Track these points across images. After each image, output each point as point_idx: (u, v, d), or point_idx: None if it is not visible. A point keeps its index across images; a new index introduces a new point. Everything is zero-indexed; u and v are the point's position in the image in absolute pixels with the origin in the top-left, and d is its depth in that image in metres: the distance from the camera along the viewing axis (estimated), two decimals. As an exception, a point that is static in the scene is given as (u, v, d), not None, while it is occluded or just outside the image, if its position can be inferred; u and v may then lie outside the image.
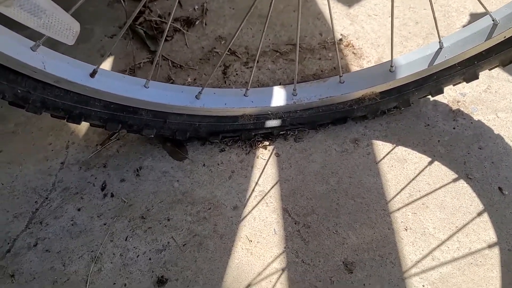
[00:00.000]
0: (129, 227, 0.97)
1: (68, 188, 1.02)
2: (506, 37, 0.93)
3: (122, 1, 1.34)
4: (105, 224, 0.97)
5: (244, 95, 1.03)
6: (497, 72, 1.16)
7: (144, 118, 0.98)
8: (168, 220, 0.97)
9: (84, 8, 1.34)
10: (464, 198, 0.98)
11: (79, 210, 0.99)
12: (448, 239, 0.93)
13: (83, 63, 0.90)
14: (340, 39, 1.25)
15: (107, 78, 0.92)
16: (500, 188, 0.98)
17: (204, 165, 1.05)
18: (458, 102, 1.12)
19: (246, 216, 0.98)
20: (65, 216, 0.98)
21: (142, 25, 1.29)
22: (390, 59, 1.03)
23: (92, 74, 0.89)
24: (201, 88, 0.99)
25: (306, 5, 1.33)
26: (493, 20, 0.93)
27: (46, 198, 1.00)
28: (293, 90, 1.04)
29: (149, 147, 1.08)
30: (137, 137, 1.10)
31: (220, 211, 0.98)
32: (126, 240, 0.95)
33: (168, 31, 1.28)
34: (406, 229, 0.95)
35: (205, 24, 1.30)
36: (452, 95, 1.13)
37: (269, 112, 1.05)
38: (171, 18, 0.93)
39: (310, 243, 0.94)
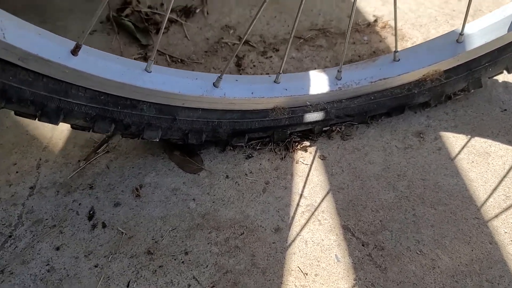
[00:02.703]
0: (131, 268, 0.68)
1: (41, 220, 0.73)
2: None
3: (102, -8, 1.09)
4: (96, 266, 0.68)
5: (275, 81, 0.79)
6: None
7: (146, 115, 0.72)
8: (186, 253, 0.69)
9: (57, 4, 1.09)
10: None
11: (57, 249, 0.70)
12: None
13: (60, 37, 0.64)
14: (375, 20, 1.03)
15: (95, 58, 0.66)
16: None
17: (227, 176, 0.79)
18: (532, 82, 0.90)
19: (294, 240, 0.71)
20: (37, 259, 0.69)
21: (129, 17, 1.05)
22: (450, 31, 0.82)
23: (75, 51, 0.63)
24: (220, 74, 0.74)
25: (326, -12, 1.12)
26: None
27: (10, 237, 0.71)
28: (338, 72, 0.80)
29: (151, 159, 0.81)
30: (133, 147, 0.83)
31: (258, 236, 0.71)
32: (128, 286, 0.66)
33: (162, 22, 1.03)
34: (513, 242, 0.70)
35: (207, 13, 1.07)
36: (523, 74, 0.92)
37: (308, 103, 0.80)
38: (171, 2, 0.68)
39: (389, 271, 0.67)
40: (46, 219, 0.73)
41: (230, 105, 0.76)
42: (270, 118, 0.79)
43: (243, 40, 0.69)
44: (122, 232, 0.72)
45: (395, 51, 0.81)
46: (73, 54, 0.63)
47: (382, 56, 0.84)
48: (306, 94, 0.79)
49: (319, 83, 0.80)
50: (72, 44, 0.63)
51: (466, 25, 0.82)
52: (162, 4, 1.08)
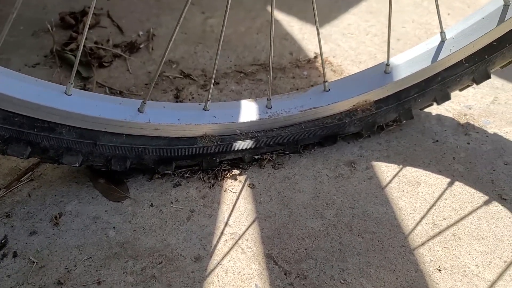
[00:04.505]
0: (37, 299, 0.64)
1: None
2: (521, 20, 0.76)
3: (49, 28, 1.11)
4: (0, 298, 0.64)
5: (203, 109, 0.78)
6: (501, 82, 0.99)
7: (65, 139, 0.70)
8: (99, 283, 0.66)
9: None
10: (503, 224, 0.73)
11: (-39, 279, 0.65)
12: (498, 279, 0.67)
13: (-28, 55, 0.63)
14: (315, 57, 1.05)
15: (10, 78, 0.65)
16: (544, 209, 0.75)
17: (152, 205, 0.76)
18: (465, 115, 0.92)
19: (214, 269, 0.68)
20: None
21: (74, 52, 1.05)
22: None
23: (-15, 70, 0.62)
24: (144, 98, 0.74)
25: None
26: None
27: None
28: (267, 100, 0.81)
29: (75, 187, 0.79)
30: (59, 176, 0.80)
31: (176, 265, 0.68)
32: (31, 319, 0.62)
33: (106, 56, 1.04)
34: (439, 270, 0.68)
35: (152, 49, 1.08)
36: (456, 108, 0.93)
37: (238, 131, 0.80)
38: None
39: (310, 301, 0.64)
40: (-46, 249, 0.69)
41: (156, 131, 0.75)
42: (199, 146, 0.78)
43: (164, 56, 0.69)
44: (33, 262, 0.68)
45: (325, 81, 0.82)
46: (-17, 73, 0.62)
47: (313, 87, 0.85)
48: (235, 122, 0.79)
49: (249, 111, 0.80)
50: (-16, 63, 0.63)
51: (395, 56, 0.84)
52: (108, 40, 1.10)
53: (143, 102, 0.73)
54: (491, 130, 0.89)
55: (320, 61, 1.04)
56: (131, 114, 0.73)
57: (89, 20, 0.64)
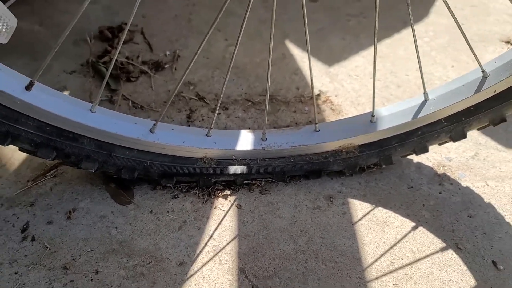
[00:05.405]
0: (46, 279, 0.77)
1: (-20, 227, 0.83)
2: (496, 92, 0.85)
3: (88, 40, 1.25)
4: (16, 273, 0.78)
5: (206, 135, 0.91)
6: (485, 139, 1.07)
7: (86, 148, 0.83)
8: (97, 273, 0.79)
9: (46, 44, 1.25)
10: (453, 271, 0.83)
11: (-13, 253, 0.80)
12: (437, 319, 0.76)
13: (18, 73, 0.77)
14: (318, 95, 1.16)
15: (46, 95, 0.79)
16: (494, 262, 0.83)
17: (151, 211, 0.89)
18: (444, 166, 1.01)
19: (193, 274, 0.80)
20: (-33, 259, 0.78)
21: (106, 64, 1.19)
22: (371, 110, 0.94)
23: (28, 87, 0.76)
24: (156, 120, 0.86)
25: (284, 61, 1.27)
26: (482, 72, 0.85)
27: (-50, 236, 0.81)
28: (262, 134, 0.92)
29: (89, 187, 0.92)
30: (77, 176, 0.94)
31: (163, 267, 0.80)
32: (38, 294, 0.75)
33: (133, 72, 1.18)
34: (386, 304, 0.78)
35: (175, 69, 1.21)
36: (437, 158, 1.02)
37: (234, 157, 0.91)
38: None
39: (269, 313, 0.75)
40: (-15, 227, 0.84)
41: (163, 150, 0.88)
42: (198, 166, 0.90)
43: (181, 80, 0.81)
44: (47, 247, 0.81)
45: (315, 123, 0.93)
46: (27, 90, 0.76)
47: (306, 126, 0.96)
48: (232, 149, 0.91)
49: (245, 141, 0.92)
50: (27, 80, 0.76)
51: (382, 108, 0.94)
52: (138, 56, 1.23)
53: (154, 124, 0.86)
54: (464, 183, 0.97)
55: (322, 99, 1.15)
56: (144, 133, 0.86)
57: (122, 39, 0.77)
